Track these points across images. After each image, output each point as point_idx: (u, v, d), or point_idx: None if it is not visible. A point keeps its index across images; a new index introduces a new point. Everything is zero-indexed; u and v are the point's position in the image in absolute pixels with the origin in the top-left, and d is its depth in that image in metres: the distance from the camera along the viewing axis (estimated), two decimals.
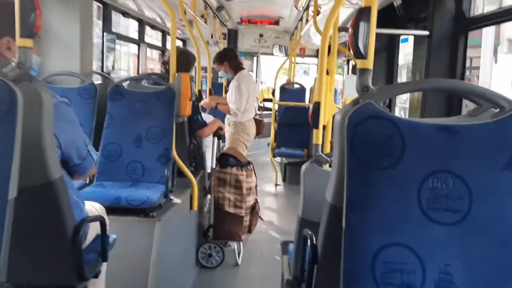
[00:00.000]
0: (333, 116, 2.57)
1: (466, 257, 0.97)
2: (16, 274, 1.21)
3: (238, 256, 3.45)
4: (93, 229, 1.69)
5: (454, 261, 0.97)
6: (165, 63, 3.31)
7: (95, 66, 3.76)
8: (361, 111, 1.00)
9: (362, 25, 1.08)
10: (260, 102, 8.29)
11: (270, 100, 7.26)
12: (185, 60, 3.25)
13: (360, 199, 1.00)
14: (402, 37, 3.86)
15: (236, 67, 4.21)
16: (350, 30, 1.12)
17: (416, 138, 0.99)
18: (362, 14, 1.09)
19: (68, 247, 1.39)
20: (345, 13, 4.54)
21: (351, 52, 1.14)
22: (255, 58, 9.03)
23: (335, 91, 6.23)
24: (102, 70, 4.07)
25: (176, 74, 2.83)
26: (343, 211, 1.01)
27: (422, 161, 0.99)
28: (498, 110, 1.02)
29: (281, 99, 6.49)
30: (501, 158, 0.98)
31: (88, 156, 1.53)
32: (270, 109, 7.13)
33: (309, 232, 1.32)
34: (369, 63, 1.09)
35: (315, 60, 9.40)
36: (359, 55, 1.09)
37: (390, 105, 3.92)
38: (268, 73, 10.33)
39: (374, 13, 1.09)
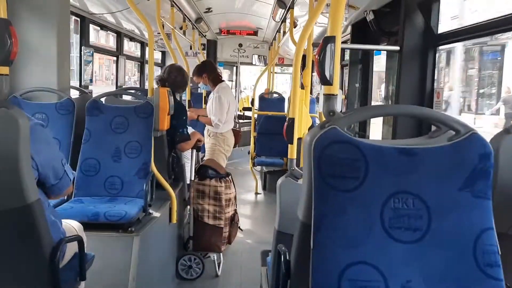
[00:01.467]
0: (309, 129, 2.64)
1: (426, 273, 1.03)
2: None
3: (218, 267, 3.47)
4: (71, 248, 1.70)
5: (416, 277, 1.03)
6: (162, 80, 3.37)
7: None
8: (327, 136, 1.05)
9: (328, 53, 1.14)
10: (240, 110, 8.34)
11: (249, 109, 7.32)
12: (182, 79, 3.34)
13: (326, 219, 1.05)
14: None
15: (215, 79, 4.26)
16: (316, 57, 1.18)
17: (378, 161, 1.05)
18: (327, 42, 1.15)
19: (46, 268, 1.40)
20: (319, 29, 4.64)
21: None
22: (234, 67, 9.10)
23: (313, 101, 6.32)
24: (80, 84, 4.06)
25: (154, 88, 2.86)
26: (311, 228, 1.06)
27: (384, 182, 1.05)
28: (454, 133, 1.09)
29: (260, 108, 6.57)
30: (458, 179, 1.05)
31: (64, 176, 1.55)
32: (249, 118, 7.18)
33: (283, 247, 1.36)
34: (335, 89, 1.16)
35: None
36: (325, 81, 1.15)
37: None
38: (247, 82, 10.41)
39: (338, 41, 1.15)
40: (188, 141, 3.28)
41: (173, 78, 3.36)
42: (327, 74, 1.14)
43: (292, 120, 2.06)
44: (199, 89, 7.71)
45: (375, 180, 1.04)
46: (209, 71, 4.27)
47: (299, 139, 2.38)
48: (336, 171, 1.04)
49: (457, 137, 1.07)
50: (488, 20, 2.31)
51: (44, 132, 1.45)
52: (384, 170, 1.05)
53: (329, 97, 1.15)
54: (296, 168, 2.02)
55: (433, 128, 1.18)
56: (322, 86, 1.19)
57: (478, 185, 1.04)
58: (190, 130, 3.76)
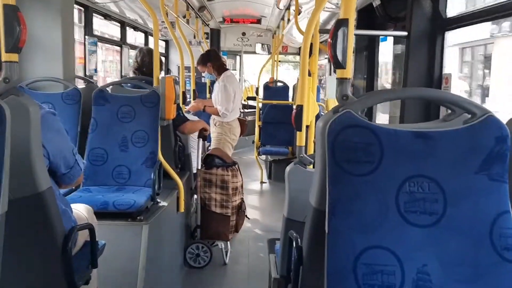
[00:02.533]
0: (316, 117, 2.62)
1: (442, 257, 1.03)
2: (7, 285, 1.23)
3: (226, 255, 3.49)
4: (82, 236, 1.70)
5: (431, 261, 1.02)
6: (139, 68, 3.17)
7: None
8: (341, 120, 1.04)
9: (340, 36, 1.13)
10: (244, 100, 8.32)
11: (253, 98, 7.31)
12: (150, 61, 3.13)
13: (341, 204, 1.04)
14: (381, 36, 3.93)
15: (220, 68, 4.24)
16: (329, 40, 1.16)
17: (393, 145, 1.04)
18: (340, 25, 1.14)
19: (58, 257, 1.41)
20: (323, 15, 4.60)
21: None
22: (238, 56, 9.05)
23: (318, 89, 6.29)
24: (85, 74, 4.05)
25: (160, 77, 2.85)
26: (326, 215, 1.06)
27: (399, 166, 1.04)
28: (470, 116, 1.08)
29: (264, 97, 6.55)
30: (474, 162, 1.04)
31: (75, 165, 1.55)
32: (254, 107, 7.16)
33: (294, 233, 1.36)
34: (348, 72, 1.14)
35: (297, 57, 9.46)
36: (338, 65, 1.13)
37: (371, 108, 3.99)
38: (251, 71, 10.37)
39: (351, 24, 1.13)
40: (186, 122, 3.25)
41: (148, 62, 3.11)
42: (339, 57, 1.13)
43: (300, 108, 2.05)
44: (203, 78, 7.69)
45: (390, 164, 1.03)
46: (213, 60, 4.24)
47: (307, 126, 2.37)
48: (351, 155, 1.03)
49: (473, 120, 1.05)
50: (496, 4, 2.28)
51: (56, 120, 1.45)
52: (399, 154, 1.04)
53: (342, 81, 1.13)
54: (305, 155, 2.01)
55: (442, 111, 1.17)
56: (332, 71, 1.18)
57: (495, 168, 1.03)
58: (195, 119, 3.76)
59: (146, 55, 3.16)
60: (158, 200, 2.62)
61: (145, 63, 3.15)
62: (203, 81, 6.60)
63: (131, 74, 3.23)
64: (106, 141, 2.64)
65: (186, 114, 3.52)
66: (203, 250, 3.34)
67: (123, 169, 2.63)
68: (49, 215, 1.34)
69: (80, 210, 1.85)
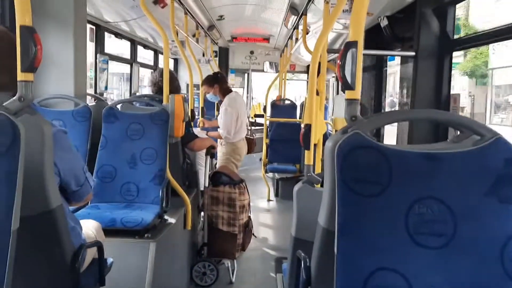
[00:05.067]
0: (324, 135, 2.63)
1: (451, 279, 1.02)
2: None
3: (232, 274, 3.46)
4: (90, 253, 1.71)
5: (441, 283, 1.02)
6: (154, 84, 3.35)
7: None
8: (350, 141, 1.05)
9: (349, 58, 1.14)
10: (252, 117, 8.36)
11: (261, 116, 7.34)
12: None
13: (351, 225, 1.04)
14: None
15: (225, 91, 4.33)
16: (338, 62, 1.18)
17: (402, 166, 1.04)
18: (349, 47, 1.15)
19: (67, 274, 1.41)
20: (330, 35, 4.64)
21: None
22: (246, 74, 9.12)
23: (325, 107, 6.31)
24: (95, 91, 4.11)
25: (169, 96, 2.88)
26: (335, 235, 1.06)
27: (408, 187, 1.04)
28: (479, 137, 1.08)
29: (272, 115, 6.58)
30: (483, 184, 1.04)
31: (85, 183, 1.56)
32: (261, 125, 7.18)
33: (302, 254, 1.35)
34: (357, 93, 1.15)
35: (305, 76, 9.52)
36: (347, 86, 1.14)
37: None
38: (259, 88, 10.43)
39: (360, 46, 1.15)
40: (195, 139, 3.28)
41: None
42: (348, 79, 1.14)
43: (308, 127, 2.06)
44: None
45: (400, 185, 1.04)
46: (221, 82, 4.32)
47: (315, 145, 2.38)
48: (360, 176, 1.04)
49: (482, 141, 1.06)
50: (504, 26, 2.30)
51: (67, 139, 1.47)
52: (408, 175, 1.04)
53: (351, 102, 1.14)
54: (313, 174, 2.01)
55: (450, 130, 1.17)
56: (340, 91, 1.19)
57: (504, 190, 1.03)
58: (203, 135, 3.79)
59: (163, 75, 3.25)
60: (166, 218, 2.63)
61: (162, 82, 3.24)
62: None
63: (149, 91, 3.31)
64: (115, 158, 2.66)
65: (194, 130, 3.56)
66: (209, 268, 3.32)
67: (131, 186, 2.64)
68: (59, 232, 1.36)
69: (89, 227, 1.86)
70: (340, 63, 1.15)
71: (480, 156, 1.05)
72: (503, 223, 1.03)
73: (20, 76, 1.21)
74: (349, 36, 1.17)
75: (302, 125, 2.19)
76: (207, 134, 4.40)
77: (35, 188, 1.26)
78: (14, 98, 1.19)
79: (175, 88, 3.28)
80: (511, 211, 1.03)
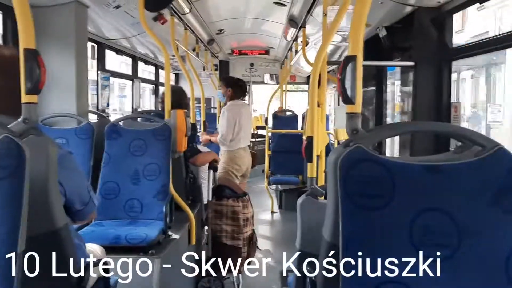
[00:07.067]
0: (326, 146, 2.62)
1: None
2: None
3: None
4: (95, 271, 1.71)
5: None
6: (163, 101, 3.37)
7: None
8: (352, 155, 1.05)
9: (349, 73, 1.15)
10: (253, 129, 8.38)
11: (263, 128, 7.35)
12: (178, 99, 3.31)
13: (355, 238, 1.04)
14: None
15: (233, 97, 4.32)
16: (338, 76, 1.19)
17: (405, 179, 1.04)
18: (348, 61, 1.16)
19: None
20: (329, 47, 4.68)
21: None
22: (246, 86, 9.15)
23: (326, 117, 6.34)
24: (97, 108, 4.13)
25: (171, 111, 2.90)
26: (339, 248, 1.06)
27: (412, 200, 1.04)
28: (480, 148, 1.08)
29: (274, 126, 6.59)
30: (486, 195, 1.04)
31: (90, 202, 1.57)
32: (263, 137, 7.20)
33: (308, 267, 1.35)
34: (357, 107, 1.16)
35: (305, 87, 9.56)
36: (347, 100, 1.15)
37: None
38: (260, 100, 10.47)
39: (359, 61, 1.16)
40: (198, 154, 3.29)
41: (177, 98, 3.31)
42: (349, 93, 1.15)
43: (310, 139, 2.06)
44: (212, 109, 7.76)
45: (403, 198, 1.04)
46: (235, 87, 4.34)
47: (317, 157, 2.38)
48: (363, 190, 1.04)
49: (484, 152, 1.06)
50: (501, 34, 2.32)
51: (72, 159, 1.48)
52: (411, 188, 1.04)
53: (352, 116, 1.15)
54: (316, 186, 2.01)
55: (452, 143, 1.18)
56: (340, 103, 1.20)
57: (508, 200, 1.03)
58: (205, 150, 3.80)
59: (174, 92, 3.28)
60: (170, 233, 2.62)
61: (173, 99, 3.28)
62: (212, 111, 6.68)
63: (157, 107, 3.34)
64: (118, 174, 2.67)
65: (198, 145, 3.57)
66: (215, 283, 3.30)
67: (135, 203, 2.65)
68: (65, 251, 1.36)
69: (93, 247, 1.86)
70: (340, 77, 1.16)
71: (482, 167, 1.05)
72: (507, 233, 1.03)
73: (24, 98, 1.22)
74: (348, 50, 1.18)
75: (304, 137, 2.19)
76: (210, 141, 4.42)
77: (41, 208, 1.27)
78: (18, 120, 1.21)
79: (185, 104, 3.33)
80: None
